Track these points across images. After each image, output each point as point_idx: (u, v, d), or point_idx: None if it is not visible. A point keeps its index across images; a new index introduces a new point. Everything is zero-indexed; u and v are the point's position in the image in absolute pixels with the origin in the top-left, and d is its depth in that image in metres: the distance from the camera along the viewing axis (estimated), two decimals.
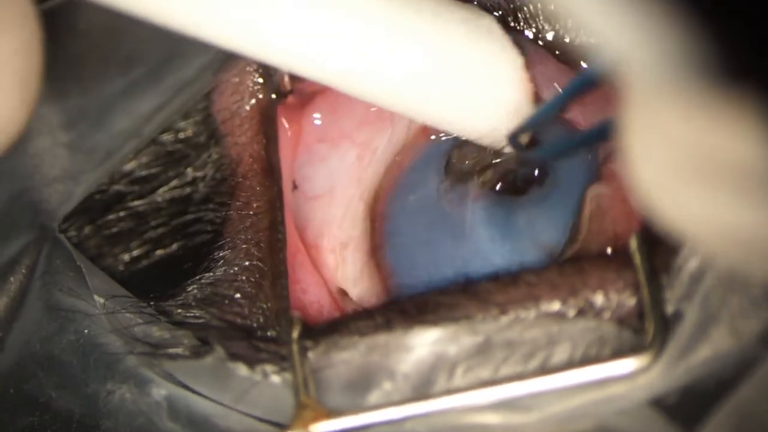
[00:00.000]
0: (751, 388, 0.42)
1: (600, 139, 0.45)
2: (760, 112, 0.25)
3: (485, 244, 0.49)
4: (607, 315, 0.43)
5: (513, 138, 0.48)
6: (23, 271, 0.48)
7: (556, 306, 0.44)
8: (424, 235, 0.50)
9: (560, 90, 0.49)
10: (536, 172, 0.50)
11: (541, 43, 0.51)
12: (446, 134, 0.51)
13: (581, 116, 0.50)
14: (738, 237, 0.29)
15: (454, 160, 0.51)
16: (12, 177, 0.48)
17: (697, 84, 0.26)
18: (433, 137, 0.52)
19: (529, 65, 0.49)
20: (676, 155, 0.28)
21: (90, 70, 0.47)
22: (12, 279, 0.48)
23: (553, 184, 0.50)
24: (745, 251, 0.30)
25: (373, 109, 0.52)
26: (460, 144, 0.51)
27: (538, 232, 0.49)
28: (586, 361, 0.43)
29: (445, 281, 0.49)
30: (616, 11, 0.25)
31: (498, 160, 0.50)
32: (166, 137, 0.51)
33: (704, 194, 0.28)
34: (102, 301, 0.48)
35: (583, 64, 0.50)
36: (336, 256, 0.52)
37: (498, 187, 0.50)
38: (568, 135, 0.49)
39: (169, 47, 0.47)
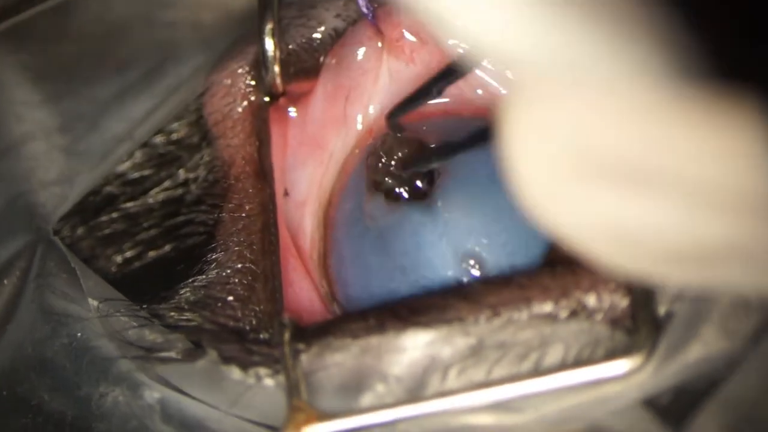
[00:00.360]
0: (737, 383, 0.42)
1: (477, 145, 0.45)
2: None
3: (403, 257, 0.49)
4: (599, 316, 0.44)
5: (390, 119, 0.49)
6: (17, 273, 0.48)
7: (548, 307, 0.44)
8: (355, 247, 0.50)
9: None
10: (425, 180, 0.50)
11: None
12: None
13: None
14: (616, 233, 0.29)
15: (368, 164, 0.51)
16: (8, 181, 0.48)
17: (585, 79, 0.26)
18: (373, 140, 0.52)
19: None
20: (557, 153, 0.28)
21: (84, 73, 0.47)
22: (6, 281, 0.48)
23: (456, 186, 0.50)
24: (620, 248, 0.30)
25: (333, 109, 0.52)
26: (374, 148, 0.51)
27: (458, 240, 0.49)
28: (578, 362, 0.43)
29: (375, 295, 0.49)
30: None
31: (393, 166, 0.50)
32: (158, 139, 0.51)
33: (587, 191, 0.28)
34: (96, 303, 0.48)
35: (457, 51, 0.50)
36: (310, 265, 0.52)
37: (403, 194, 0.50)
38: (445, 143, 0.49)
39: (162, 50, 0.47)
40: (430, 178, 0.50)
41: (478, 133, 0.45)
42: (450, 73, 0.46)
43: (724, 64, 0.25)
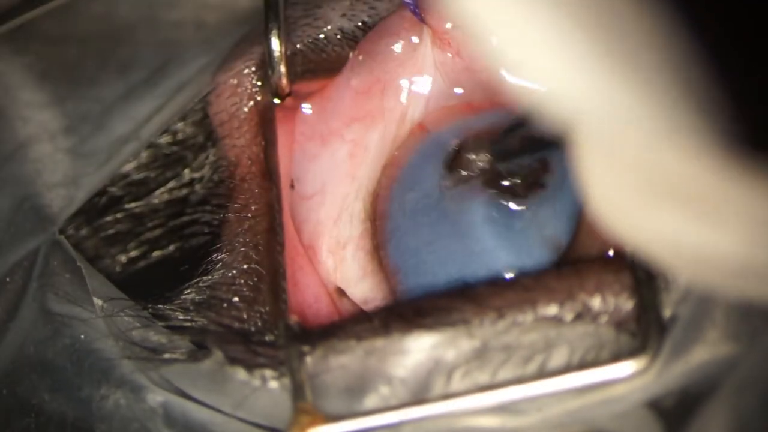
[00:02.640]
0: (740, 382, 0.42)
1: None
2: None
3: (489, 241, 0.49)
4: (604, 319, 0.43)
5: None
6: (20, 272, 0.48)
7: (553, 310, 0.44)
8: (427, 234, 0.50)
9: None
10: (535, 172, 0.50)
11: None
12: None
13: None
14: (682, 250, 0.31)
15: (459, 155, 0.51)
16: (14, 184, 0.48)
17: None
18: (429, 132, 0.52)
19: None
20: (627, 175, 0.30)
21: (88, 74, 0.47)
22: (8, 279, 0.48)
23: (552, 177, 0.50)
24: (687, 262, 0.32)
25: (367, 103, 0.52)
26: (466, 140, 0.51)
27: (543, 225, 0.49)
28: (584, 364, 0.43)
29: (450, 280, 0.49)
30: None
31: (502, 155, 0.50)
32: (163, 139, 0.51)
33: (655, 212, 0.30)
34: (100, 303, 0.47)
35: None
36: (334, 257, 0.51)
37: (500, 186, 0.50)
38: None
39: (166, 51, 0.47)
40: (530, 171, 0.50)
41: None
42: None
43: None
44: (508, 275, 0.48)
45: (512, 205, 0.49)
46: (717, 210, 0.29)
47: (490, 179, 0.50)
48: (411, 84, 0.51)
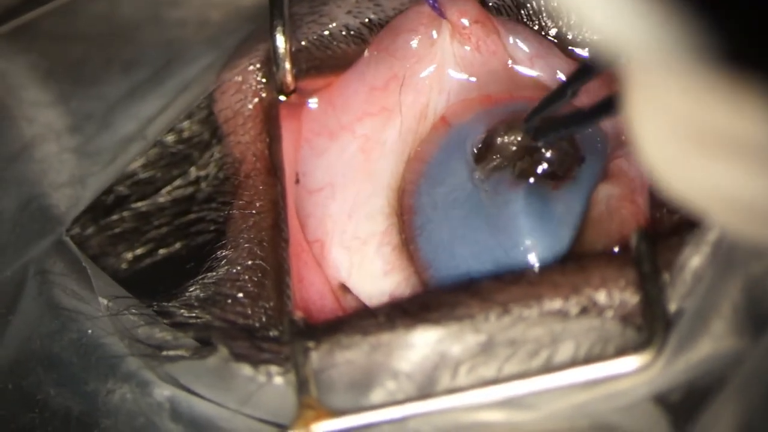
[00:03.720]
0: (746, 376, 0.42)
1: (603, 115, 0.45)
2: (760, 90, 0.26)
3: (524, 235, 0.49)
4: (609, 313, 0.43)
5: (528, 121, 0.49)
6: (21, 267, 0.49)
7: (558, 304, 0.44)
8: (460, 228, 0.50)
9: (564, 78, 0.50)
10: (570, 161, 0.50)
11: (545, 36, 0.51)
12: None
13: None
14: (740, 204, 0.30)
15: (488, 143, 0.51)
16: (20, 184, 0.48)
17: (700, 64, 0.27)
18: (452, 125, 0.52)
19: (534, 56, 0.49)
20: (679, 128, 0.29)
21: (92, 73, 0.47)
22: (8, 273, 0.49)
23: (585, 175, 0.50)
24: (747, 217, 0.31)
25: (384, 99, 0.52)
26: (494, 126, 0.51)
27: (577, 218, 0.49)
28: (589, 358, 0.43)
29: (484, 274, 0.49)
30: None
31: (535, 146, 0.50)
32: (169, 137, 0.51)
33: (708, 164, 0.29)
34: (105, 302, 0.48)
35: (584, 54, 0.50)
36: (350, 253, 0.51)
37: (535, 174, 0.50)
38: (573, 113, 0.49)
39: (170, 49, 0.47)
40: (563, 161, 0.50)
41: (602, 105, 0.45)
42: (583, 73, 0.45)
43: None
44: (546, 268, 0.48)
45: (545, 195, 0.49)
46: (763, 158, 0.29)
47: (524, 167, 0.50)
48: (430, 79, 0.51)
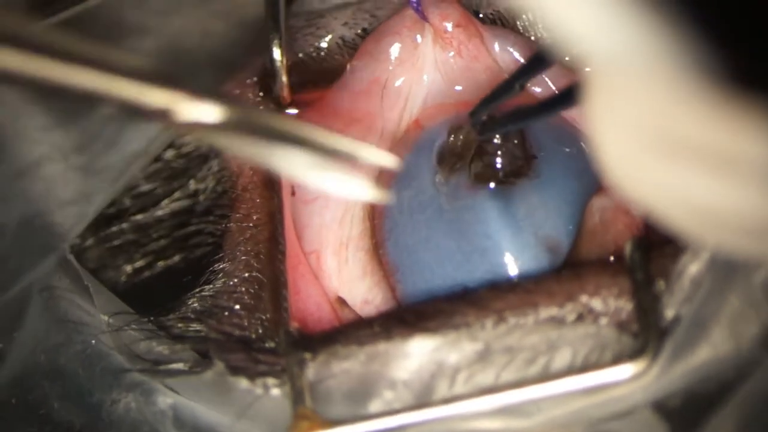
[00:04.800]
0: (752, 389, 0.42)
1: (561, 107, 0.45)
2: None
3: (484, 240, 0.49)
4: (605, 320, 0.43)
5: (473, 115, 0.49)
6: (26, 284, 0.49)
7: (554, 312, 0.44)
8: (423, 232, 0.50)
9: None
10: (520, 161, 0.50)
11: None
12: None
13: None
14: (701, 209, 0.30)
15: (445, 148, 0.51)
16: (25, 200, 0.48)
17: (673, 73, 0.27)
18: (425, 129, 0.52)
19: None
20: (642, 134, 0.29)
21: None
22: (13, 290, 0.49)
23: (543, 173, 0.50)
24: (708, 223, 0.31)
25: (367, 104, 0.52)
26: (451, 130, 0.51)
27: (539, 224, 0.49)
28: (586, 366, 0.43)
29: (447, 278, 0.49)
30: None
31: (485, 147, 0.50)
32: (168, 151, 0.51)
33: (671, 170, 0.29)
34: (106, 318, 0.48)
35: (539, 43, 0.50)
36: (339, 258, 0.51)
37: (492, 176, 0.50)
38: (517, 108, 0.49)
39: (172, 62, 0.47)
40: (516, 162, 0.50)
41: (548, 102, 0.45)
42: (532, 67, 0.46)
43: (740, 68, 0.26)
44: (505, 273, 0.48)
45: (505, 200, 0.49)
46: (734, 164, 0.29)
47: (479, 170, 0.50)
48: (410, 83, 0.52)
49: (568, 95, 0.42)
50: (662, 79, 0.27)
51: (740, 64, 0.26)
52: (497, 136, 0.49)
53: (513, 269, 0.48)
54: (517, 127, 0.49)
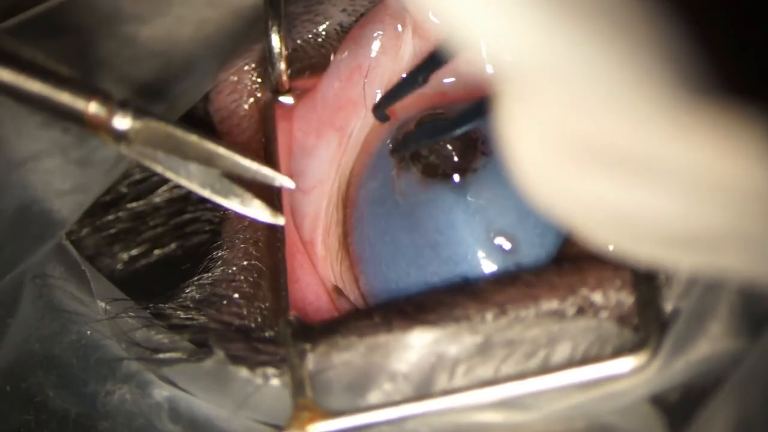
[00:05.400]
0: (743, 378, 0.42)
1: (474, 120, 0.45)
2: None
3: (436, 235, 0.49)
4: (606, 313, 0.43)
5: (376, 110, 0.49)
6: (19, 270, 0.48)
7: (555, 305, 0.44)
8: (382, 224, 0.50)
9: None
10: (458, 155, 0.50)
11: None
12: None
13: None
14: (614, 217, 0.30)
15: (395, 144, 0.51)
16: (22, 188, 0.48)
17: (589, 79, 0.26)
18: (398, 119, 0.51)
19: None
20: (556, 141, 0.29)
21: (92, 77, 0.47)
22: (7, 277, 0.48)
23: (491, 167, 0.49)
24: (619, 231, 0.30)
25: (351, 90, 0.52)
26: (402, 124, 0.51)
27: (492, 219, 0.49)
28: (587, 359, 0.43)
29: (401, 273, 0.49)
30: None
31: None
32: None
33: (586, 177, 0.29)
34: (103, 305, 0.48)
35: (439, 40, 0.50)
36: (324, 245, 0.51)
37: (438, 173, 0.50)
38: (436, 121, 0.49)
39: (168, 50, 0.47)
40: (467, 155, 0.49)
41: (471, 110, 0.45)
42: (433, 62, 0.47)
43: (721, 75, 0.26)
44: (458, 268, 0.48)
45: (456, 194, 0.49)
46: (650, 171, 0.28)
47: (424, 167, 0.50)
48: (390, 72, 0.51)
49: (483, 107, 0.43)
50: (582, 84, 0.27)
51: (669, 69, 0.26)
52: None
53: (465, 264, 0.48)
54: (432, 142, 0.49)
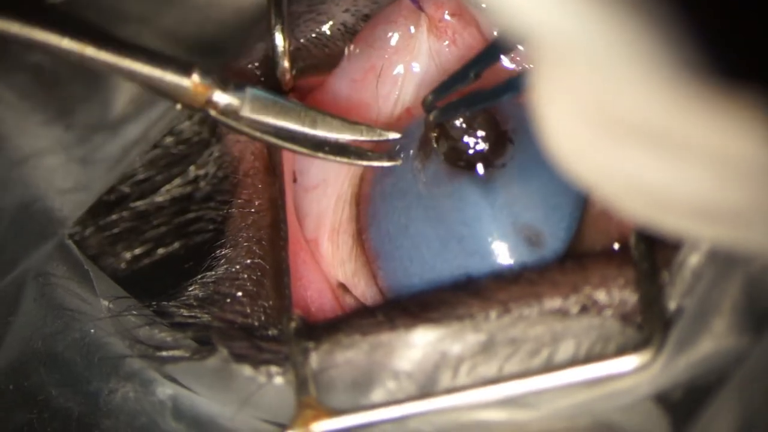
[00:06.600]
0: (747, 375, 0.42)
1: (506, 94, 0.45)
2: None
3: (461, 227, 0.49)
4: (609, 312, 0.43)
5: (427, 103, 0.49)
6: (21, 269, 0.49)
7: (558, 303, 0.44)
8: (403, 219, 0.50)
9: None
10: (488, 145, 0.50)
11: None
12: None
13: None
14: (642, 189, 0.30)
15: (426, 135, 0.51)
16: (24, 186, 0.48)
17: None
18: (414, 117, 0.52)
19: None
20: (590, 116, 0.29)
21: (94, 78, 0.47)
22: (9, 275, 0.49)
23: (525, 159, 0.49)
24: (647, 203, 0.31)
25: (363, 90, 0.52)
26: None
27: (518, 213, 0.48)
28: (590, 357, 0.43)
29: (425, 266, 0.49)
30: None
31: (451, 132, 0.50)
32: (168, 137, 0.51)
33: (617, 150, 0.30)
34: (107, 303, 0.48)
35: (494, 34, 0.50)
36: (332, 243, 0.51)
37: (465, 162, 0.50)
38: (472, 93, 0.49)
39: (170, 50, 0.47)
40: (496, 149, 0.49)
41: (506, 84, 0.45)
42: (487, 56, 0.46)
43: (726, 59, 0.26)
44: (482, 261, 0.48)
45: (484, 188, 0.49)
46: (681, 147, 0.29)
47: (451, 156, 0.49)
48: (405, 71, 0.51)
49: (519, 81, 0.43)
50: (615, 61, 0.27)
51: (699, 50, 0.27)
52: (459, 118, 0.49)
53: (490, 258, 0.48)
54: (468, 111, 0.49)
